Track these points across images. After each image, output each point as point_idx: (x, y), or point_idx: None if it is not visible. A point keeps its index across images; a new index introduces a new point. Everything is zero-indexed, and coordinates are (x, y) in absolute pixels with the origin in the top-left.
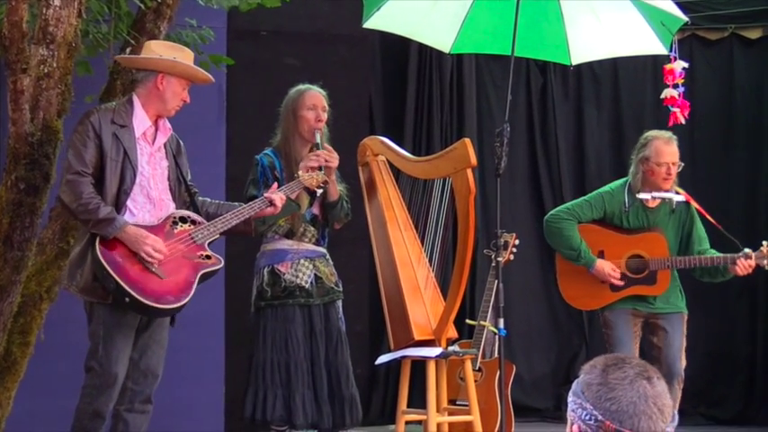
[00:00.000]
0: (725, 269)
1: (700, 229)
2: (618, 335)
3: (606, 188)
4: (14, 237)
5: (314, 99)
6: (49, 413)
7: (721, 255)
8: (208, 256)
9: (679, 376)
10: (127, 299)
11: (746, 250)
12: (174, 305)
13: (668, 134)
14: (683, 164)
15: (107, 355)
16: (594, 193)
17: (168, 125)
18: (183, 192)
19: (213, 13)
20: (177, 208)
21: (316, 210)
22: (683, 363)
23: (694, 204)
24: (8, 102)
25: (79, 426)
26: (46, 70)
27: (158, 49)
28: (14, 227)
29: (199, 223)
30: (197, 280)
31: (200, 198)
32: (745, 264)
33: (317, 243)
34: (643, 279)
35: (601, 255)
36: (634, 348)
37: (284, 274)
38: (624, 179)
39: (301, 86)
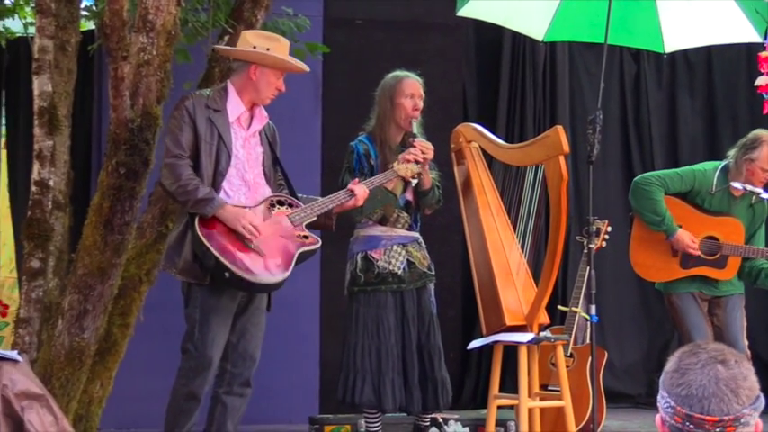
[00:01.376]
0: (766, 277)
1: (762, 230)
2: (693, 321)
3: (699, 166)
4: (115, 221)
5: (412, 87)
6: (148, 393)
7: None
8: (306, 236)
9: (744, 353)
10: (226, 273)
11: None
12: (274, 280)
13: None
14: None
15: (203, 339)
16: (687, 168)
17: (265, 113)
18: (278, 179)
19: (309, 1)
20: (273, 192)
21: (409, 196)
22: (746, 341)
23: None
24: (109, 88)
25: (174, 406)
26: (146, 58)
27: (253, 40)
28: (115, 211)
29: (295, 206)
30: (296, 257)
31: None
32: None
33: (410, 228)
34: (714, 261)
35: None
36: (709, 330)
37: (377, 260)
38: (718, 163)
39: (399, 73)
